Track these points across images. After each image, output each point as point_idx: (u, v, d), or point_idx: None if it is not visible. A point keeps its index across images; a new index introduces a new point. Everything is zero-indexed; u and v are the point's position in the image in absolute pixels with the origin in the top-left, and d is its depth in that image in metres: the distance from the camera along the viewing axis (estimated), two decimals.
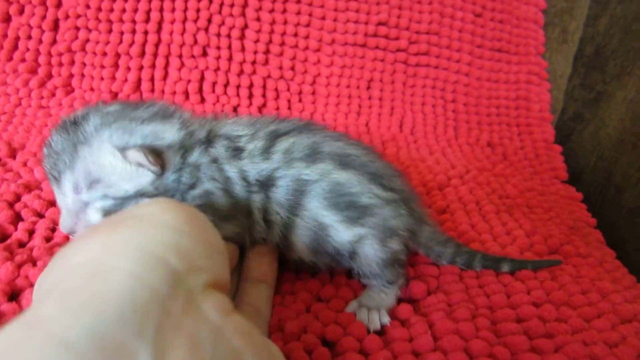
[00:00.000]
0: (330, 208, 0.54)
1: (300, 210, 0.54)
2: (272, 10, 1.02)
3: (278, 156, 0.55)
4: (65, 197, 0.51)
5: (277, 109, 1.00)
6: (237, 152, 0.55)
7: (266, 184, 0.54)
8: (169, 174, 0.51)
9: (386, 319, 0.55)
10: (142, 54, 0.98)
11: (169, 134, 0.52)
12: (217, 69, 0.99)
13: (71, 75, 0.97)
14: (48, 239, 0.62)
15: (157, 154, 0.50)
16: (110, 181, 0.49)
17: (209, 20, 0.99)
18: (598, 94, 1.29)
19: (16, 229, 0.63)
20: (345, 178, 0.54)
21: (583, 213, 0.90)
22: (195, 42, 0.99)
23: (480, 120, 1.09)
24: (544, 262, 0.65)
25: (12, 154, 0.82)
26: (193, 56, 0.99)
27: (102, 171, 0.49)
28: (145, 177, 0.50)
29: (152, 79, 0.98)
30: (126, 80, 0.97)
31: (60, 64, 0.97)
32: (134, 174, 0.50)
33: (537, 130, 1.11)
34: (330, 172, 0.54)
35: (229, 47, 1.00)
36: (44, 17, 0.97)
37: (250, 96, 1.01)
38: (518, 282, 0.61)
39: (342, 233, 0.54)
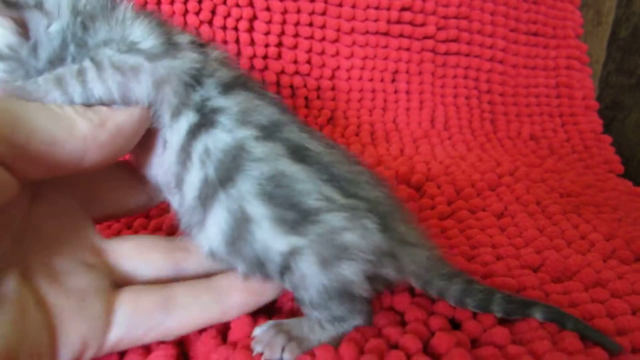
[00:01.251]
0: (261, 197, 0.41)
1: (228, 184, 0.41)
2: None
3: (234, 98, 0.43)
4: None
5: (294, 107, 0.89)
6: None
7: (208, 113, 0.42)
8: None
9: (287, 357, 0.40)
10: None
11: None
12: None
13: None
14: None
15: (7, 4, 0.39)
16: None
17: (213, 12, 0.88)
18: (639, 78, 1.18)
19: None
20: (292, 170, 0.41)
21: None
22: (199, 36, 0.87)
23: (519, 111, 0.98)
24: (598, 334, 0.42)
25: None
26: None
27: None
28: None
29: None
30: None
31: None
32: None
33: (582, 120, 0.99)
34: (277, 158, 0.41)
35: (237, 41, 0.89)
36: None
37: None
38: None
39: (269, 236, 0.41)
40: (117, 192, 0.47)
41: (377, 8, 0.94)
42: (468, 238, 0.59)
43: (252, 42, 0.89)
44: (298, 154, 0.42)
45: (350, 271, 0.41)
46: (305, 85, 0.91)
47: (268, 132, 0.42)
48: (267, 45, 0.89)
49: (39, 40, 0.41)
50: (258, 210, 0.40)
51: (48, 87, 0.38)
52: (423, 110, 0.94)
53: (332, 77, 0.92)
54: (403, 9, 0.94)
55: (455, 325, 0.45)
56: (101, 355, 0.39)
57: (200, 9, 0.88)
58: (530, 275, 0.52)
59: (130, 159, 0.48)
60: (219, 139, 0.41)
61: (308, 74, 0.91)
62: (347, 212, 0.41)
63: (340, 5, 0.93)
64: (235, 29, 0.89)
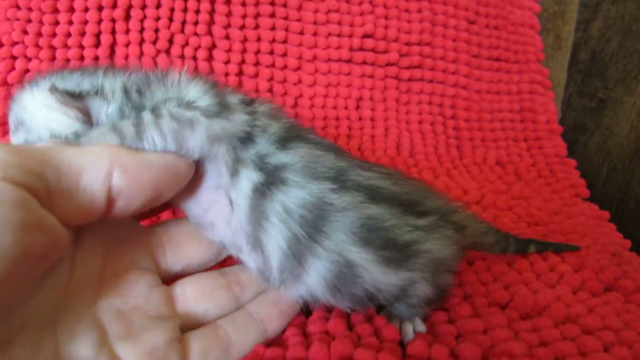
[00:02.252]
0: (360, 244, 0.42)
1: (320, 237, 0.41)
2: (242, 27, 0.89)
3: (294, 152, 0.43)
4: None
5: None
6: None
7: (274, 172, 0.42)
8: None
9: (422, 327, 0.48)
10: None
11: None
12: None
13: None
14: None
15: (72, 96, 0.43)
16: (30, 126, 0.44)
17: (170, 41, 0.86)
18: (600, 101, 1.19)
19: None
20: (378, 212, 0.43)
21: (615, 235, 0.79)
22: (156, 66, 0.85)
23: (484, 136, 0.97)
24: (563, 245, 0.65)
25: None
26: None
27: (24, 113, 0.44)
28: (62, 124, 0.43)
29: None
30: None
31: None
32: (51, 119, 0.43)
33: (547, 144, 0.99)
34: (360, 204, 0.42)
35: (196, 70, 0.86)
36: None
37: None
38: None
39: (379, 275, 0.43)
40: (185, 247, 0.47)
41: (339, 35, 0.92)
42: None
43: (212, 71, 0.87)
44: (375, 195, 0.44)
45: (450, 277, 0.48)
46: None
47: (340, 183, 0.43)
48: (227, 74, 0.87)
49: (101, 123, 0.43)
50: (360, 255, 0.42)
51: (101, 134, 0.40)
52: (388, 137, 0.93)
53: (295, 105, 0.90)
54: (365, 36, 0.93)
55: None
56: None
57: (157, 38, 0.85)
58: (498, 314, 0.50)
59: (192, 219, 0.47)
60: (295, 196, 0.41)
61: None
62: (433, 233, 0.45)
63: (301, 33, 0.91)
64: (194, 58, 0.86)
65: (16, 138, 0.45)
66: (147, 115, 0.40)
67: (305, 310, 0.49)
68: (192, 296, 0.45)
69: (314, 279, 0.43)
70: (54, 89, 0.42)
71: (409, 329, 0.47)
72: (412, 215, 0.45)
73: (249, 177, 0.42)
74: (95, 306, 0.38)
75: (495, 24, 1.03)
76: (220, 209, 0.43)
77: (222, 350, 0.43)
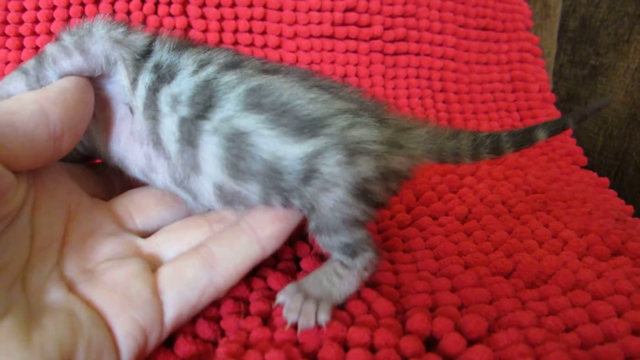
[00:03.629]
0: (250, 109, 0.41)
1: (208, 113, 0.41)
2: (218, 5, 0.85)
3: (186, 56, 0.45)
4: None
5: None
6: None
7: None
8: None
9: (323, 317, 0.39)
10: None
11: None
12: None
13: None
14: None
15: None
16: None
17: (144, 23, 0.81)
18: (593, 68, 1.16)
19: None
20: (270, 80, 0.42)
21: (616, 201, 0.76)
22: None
23: (475, 108, 0.94)
24: (588, 109, 0.52)
25: None
26: None
27: None
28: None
29: None
30: None
31: None
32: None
33: (540, 113, 0.96)
34: (248, 77, 0.42)
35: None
36: None
37: None
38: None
39: (276, 143, 0.40)
40: (153, 211, 0.48)
41: (319, 10, 0.89)
42: (432, 248, 0.54)
43: None
44: (269, 71, 0.43)
45: (368, 167, 0.41)
46: None
47: (231, 67, 0.43)
48: None
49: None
50: (250, 120, 0.40)
51: (8, 78, 0.43)
52: None
53: None
54: (347, 10, 0.90)
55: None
56: (167, 335, 0.40)
57: (129, 21, 0.81)
58: (503, 283, 0.47)
59: (104, 153, 0.48)
60: (182, 84, 0.43)
61: None
62: (345, 113, 0.41)
63: (280, 9, 0.87)
64: None
65: None
66: (47, 46, 0.43)
67: None
68: (162, 239, 0.46)
69: (211, 163, 0.42)
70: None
71: (309, 310, 0.40)
72: (323, 91, 0.43)
73: (144, 81, 0.44)
74: (60, 265, 0.39)
75: None
76: (126, 125, 0.45)
77: (202, 268, 0.42)
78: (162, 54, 0.45)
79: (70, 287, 0.38)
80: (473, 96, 0.95)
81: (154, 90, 0.43)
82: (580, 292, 0.46)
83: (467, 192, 0.65)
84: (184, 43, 0.46)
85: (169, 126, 0.43)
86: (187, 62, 0.44)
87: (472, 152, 0.48)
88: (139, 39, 0.45)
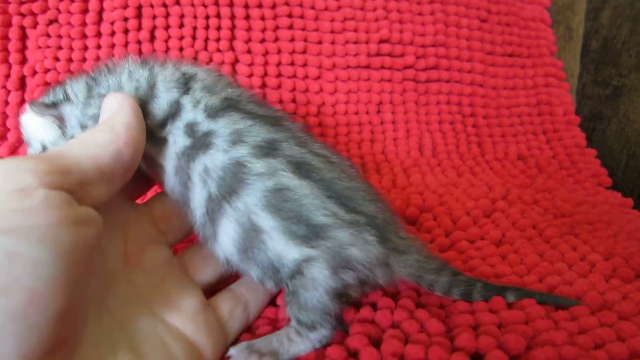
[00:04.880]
0: (269, 209, 0.44)
1: (232, 198, 0.45)
2: (262, 40, 0.92)
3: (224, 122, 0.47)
4: None
5: None
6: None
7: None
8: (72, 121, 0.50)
9: None
10: None
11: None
12: None
13: None
14: None
15: (47, 105, 0.50)
16: (29, 141, 0.52)
17: (195, 59, 0.89)
18: (615, 88, 1.20)
19: None
20: (296, 185, 0.45)
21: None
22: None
23: (504, 132, 1.00)
24: (557, 297, 0.52)
25: None
26: None
27: (24, 132, 0.52)
28: (48, 131, 0.50)
29: None
30: None
31: None
32: (37, 130, 0.51)
33: (566, 135, 1.01)
34: (279, 171, 0.45)
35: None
36: (7, 76, 0.86)
37: None
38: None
39: (282, 246, 0.45)
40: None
41: (355, 42, 0.95)
42: (471, 270, 0.59)
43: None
44: (301, 170, 0.46)
45: (351, 278, 0.46)
46: None
47: (266, 150, 0.46)
48: (250, 88, 0.90)
49: (70, 125, 0.50)
50: (267, 222, 0.44)
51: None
52: (410, 139, 0.95)
53: (318, 114, 0.93)
54: (381, 42, 0.96)
55: None
56: None
57: (182, 57, 0.88)
58: (536, 305, 0.52)
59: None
60: (216, 158, 0.45)
61: (294, 113, 0.92)
62: (351, 227, 0.45)
63: (319, 42, 0.94)
64: None
65: (28, 154, 0.51)
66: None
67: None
68: (199, 264, 0.51)
69: (226, 240, 0.46)
70: (31, 104, 0.50)
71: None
72: (338, 204, 0.46)
73: (178, 143, 0.47)
74: (134, 284, 0.43)
75: (507, 21, 1.05)
76: (160, 172, 0.49)
77: (243, 309, 0.50)
78: (195, 114, 0.47)
79: (152, 310, 0.42)
80: (501, 120, 1.00)
81: (187, 156, 0.46)
82: (608, 312, 0.51)
83: (500, 217, 0.71)
84: (224, 101, 0.48)
85: (199, 198, 0.46)
86: (223, 131, 0.46)
87: (444, 290, 0.50)
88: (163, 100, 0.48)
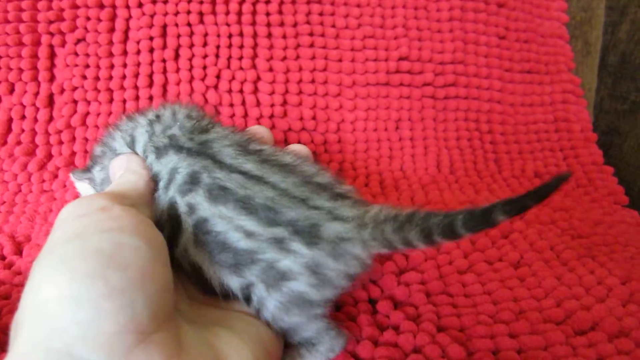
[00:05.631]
0: (196, 246, 0.46)
1: (177, 238, 0.47)
2: (284, 58, 0.93)
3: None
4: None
5: None
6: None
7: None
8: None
9: None
10: None
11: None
12: None
13: (73, 153, 0.88)
14: None
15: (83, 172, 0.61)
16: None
17: (218, 77, 0.91)
18: (633, 104, 1.21)
19: None
20: (213, 213, 0.45)
21: None
22: (206, 101, 0.90)
23: (521, 148, 1.00)
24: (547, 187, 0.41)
25: (18, 250, 0.73)
26: None
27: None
28: (89, 190, 0.60)
29: None
30: None
31: (60, 142, 0.88)
32: (83, 189, 0.62)
33: (583, 152, 1.02)
34: (197, 205, 0.45)
35: (243, 103, 0.91)
36: (37, 94, 0.88)
37: None
38: None
39: (223, 276, 0.45)
40: None
41: (375, 60, 0.97)
42: (489, 293, 0.61)
43: (258, 103, 0.92)
44: (216, 196, 0.45)
45: (298, 285, 0.44)
46: (312, 141, 0.93)
47: (188, 186, 0.46)
48: (272, 105, 0.92)
49: (97, 183, 0.58)
50: (200, 258, 0.46)
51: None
52: (428, 156, 0.96)
53: (338, 130, 0.95)
54: (401, 59, 0.97)
55: None
56: None
57: (205, 75, 0.91)
58: (556, 330, 0.53)
59: None
60: (161, 200, 0.47)
61: (314, 130, 0.94)
62: (273, 244, 0.44)
63: (340, 60, 0.95)
64: (241, 91, 0.91)
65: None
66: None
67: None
68: None
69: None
70: (71, 172, 0.61)
71: None
72: (257, 221, 0.44)
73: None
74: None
75: (525, 38, 1.06)
76: None
77: None
78: (150, 156, 0.50)
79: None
80: (518, 137, 1.01)
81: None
82: (625, 339, 0.53)
83: (517, 237, 0.72)
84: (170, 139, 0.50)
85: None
86: (164, 172, 0.48)
87: (424, 241, 0.44)
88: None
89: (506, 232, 0.74)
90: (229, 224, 0.44)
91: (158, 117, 0.54)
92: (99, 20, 0.90)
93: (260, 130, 0.57)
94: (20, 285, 0.63)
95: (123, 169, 0.49)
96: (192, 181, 0.46)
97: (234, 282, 0.45)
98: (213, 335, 0.42)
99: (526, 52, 1.05)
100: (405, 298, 0.60)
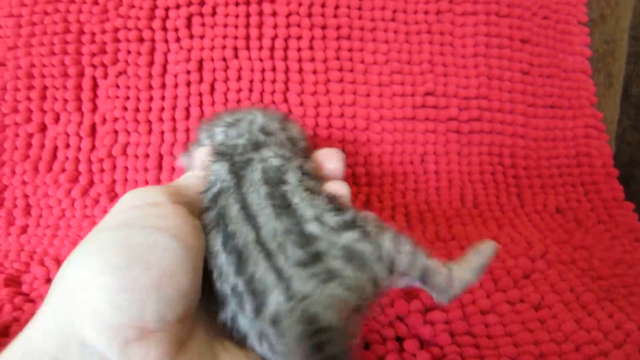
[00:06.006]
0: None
1: None
2: (314, 93, 0.97)
3: None
4: None
5: None
6: None
7: None
8: None
9: None
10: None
11: None
12: None
13: (114, 181, 0.93)
14: None
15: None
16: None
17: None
18: None
19: None
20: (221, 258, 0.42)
21: None
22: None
23: (543, 183, 1.03)
24: None
25: None
26: None
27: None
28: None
29: None
30: (172, 180, 0.92)
31: (102, 170, 0.93)
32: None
33: (604, 188, 1.04)
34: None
35: None
36: (80, 123, 0.93)
37: None
38: None
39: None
40: None
41: (402, 95, 1.00)
42: (511, 335, 0.64)
43: None
44: (215, 224, 0.43)
45: (258, 348, 0.40)
46: None
47: (211, 204, 0.45)
48: None
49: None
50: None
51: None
52: (452, 189, 0.99)
53: (365, 164, 0.98)
54: (427, 94, 1.01)
55: None
56: None
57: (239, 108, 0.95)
58: None
59: None
60: None
61: None
62: (235, 296, 0.40)
63: (368, 95, 0.99)
64: None
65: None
66: None
67: None
68: None
69: None
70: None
71: None
72: (234, 267, 0.41)
73: None
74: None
75: (548, 73, 1.08)
76: None
77: None
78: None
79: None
80: (541, 171, 1.04)
81: None
82: None
83: (539, 278, 0.75)
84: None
85: None
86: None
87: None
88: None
89: (528, 272, 0.77)
90: (211, 261, 0.42)
91: (237, 120, 0.56)
92: (139, 54, 0.95)
93: (328, 153, 0.53)
94: None
95: (198, 163, 0.51)
96: (214, 199, 0.45)
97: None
98: (221, 345, 0.42)
99: (549, 87, 1.08)
100: (431, 337, 0.63)
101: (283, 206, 0.43)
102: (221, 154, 0.49)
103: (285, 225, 0.42)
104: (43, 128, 0.94)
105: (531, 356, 0.60)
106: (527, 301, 0.70)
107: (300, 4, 0.99)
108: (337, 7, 1.01)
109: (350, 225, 0.43)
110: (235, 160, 0.47)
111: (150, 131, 0.94)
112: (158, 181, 0.92)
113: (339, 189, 0.49)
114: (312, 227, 0.42)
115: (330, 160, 0.52)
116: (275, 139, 0.54)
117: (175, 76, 0.95)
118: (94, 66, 0.95)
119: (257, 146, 0.50)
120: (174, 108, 0.94)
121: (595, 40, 1.26)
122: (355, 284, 0.40)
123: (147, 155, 0.93)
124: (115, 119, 0.94)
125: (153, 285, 0.35)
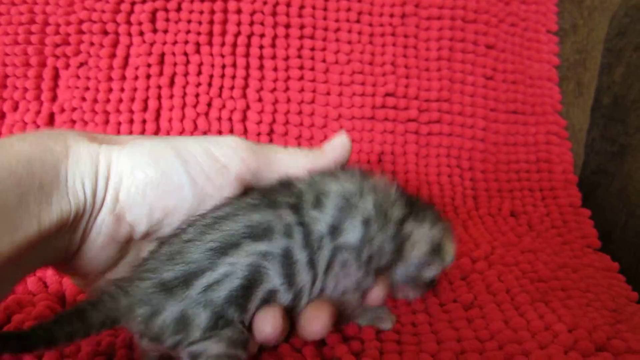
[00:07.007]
0: None
1: None
2: (273, 90, 0.98)
3: None
4: None
5: None
6: None
7: None
8: None
9: None
10: None
11: None
12: None
13: None
14: None
15: None
16: None
17: (209, 105, 0.96)
18: (621, 147, 1.22)
19: None
20: None
21: (622, 286, 0.82)
22: (196, 127, 0.95)
23: (500, 187, 1.03)
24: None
25: None
26: None
27: None
28: None
29: None
30: None
31: None
32: None
33: (562, 194, 1.04)
34: None
35: (231, 130, 0.96)
36: (38, 112, 0.94)
37: None
38: None
39: None
40: None
41: (362, 95, 1.00)
42: (436, 332, 0.64)
43: (245, 131, 0.96)
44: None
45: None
46: None
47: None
48: (259, 134, 0.96)
49: None
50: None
51: None
52: (408, 190, 0.99)
53: None
54: (387, 95, 1.01)
55: None
56: None
57: (197, 102, 0.95)
58: None
59: None
60: None
61: None
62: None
63: (327, 94, 1.00)
64: (230, 119, 0.96)
65: None
66: None
67: None
68: None
69: None
70: None
71: None
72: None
73: None
74: None
75: (512, 79, 1.09)
76: None
77: None
78: None
79: None
80: (499, 175, 1.04)
81: None
82: None
83: (476, 279, 0.75)
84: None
85: None
86: None
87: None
88: None
89: (466, 273, 0.77)
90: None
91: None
92: (102, 46, 0.96)
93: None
94: None
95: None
96: None
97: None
98: None
99: (512, 93, 1.08)
100: (355, 332, 0.63)
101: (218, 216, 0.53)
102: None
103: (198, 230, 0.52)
104: (1, 115, 0.94)
105: (451, 352, 0.59)
106: (460, 301, 0.70)
107: (265, 3, 1.00)
108: (302, 7, 1.02)
109: None
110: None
111: (107, 122, 0.94)
112: None
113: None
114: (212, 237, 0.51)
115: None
116: None
117: (136, 69, 0.96)
118: (57, 56, 0.96)
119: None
120: (132, 100, 0.95)
121: (566, 49, 1.27)
122: None
123: None
124: (74, 109, 0.94)
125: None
